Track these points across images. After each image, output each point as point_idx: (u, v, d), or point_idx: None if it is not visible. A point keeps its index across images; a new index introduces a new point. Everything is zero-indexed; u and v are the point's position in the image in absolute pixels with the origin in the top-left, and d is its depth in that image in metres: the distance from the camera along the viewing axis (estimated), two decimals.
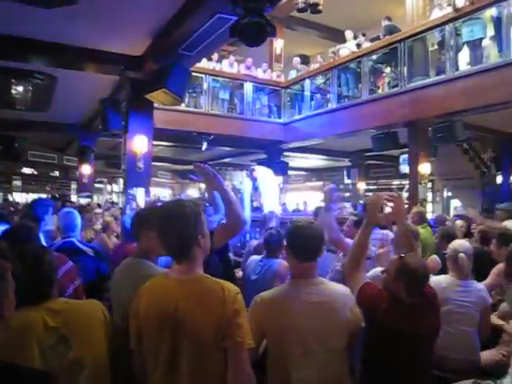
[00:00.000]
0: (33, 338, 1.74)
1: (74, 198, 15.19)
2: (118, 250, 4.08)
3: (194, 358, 1.72)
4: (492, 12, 8.07)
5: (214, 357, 1.73)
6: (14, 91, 7.42)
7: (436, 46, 9.39)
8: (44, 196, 14.38)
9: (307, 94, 12.61)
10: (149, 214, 2.53)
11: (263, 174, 8.17)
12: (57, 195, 13.15)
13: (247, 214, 6.11)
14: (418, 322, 2.29)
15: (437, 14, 9.15)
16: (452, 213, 15.00)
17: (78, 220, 3.85)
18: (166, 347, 1.74)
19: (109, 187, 24.41)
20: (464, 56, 8.66)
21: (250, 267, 3.91)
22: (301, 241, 2.22)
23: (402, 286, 2.32)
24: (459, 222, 6.94)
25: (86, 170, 13.05)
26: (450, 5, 8.61)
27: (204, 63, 11.74)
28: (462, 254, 3.29)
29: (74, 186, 16.63)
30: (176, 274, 1.85)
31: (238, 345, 1.72)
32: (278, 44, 14.87)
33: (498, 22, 7.94)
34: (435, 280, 3.44)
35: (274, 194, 8.22)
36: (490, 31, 8.20)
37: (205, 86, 11.90)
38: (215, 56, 12.58)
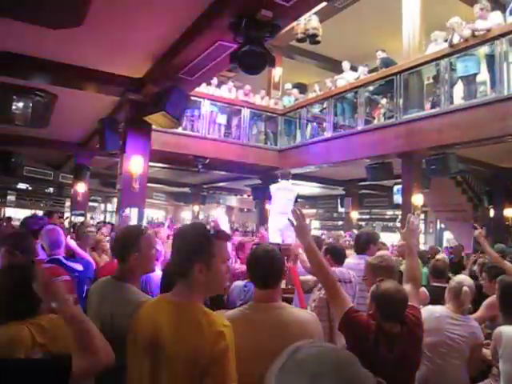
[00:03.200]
0: (20, 354, 1.73)
1: (67, 215, 15.14)
2: (106, 266, 4.08)
3: None
4: (485, 49, 8.26)
5: None
6: (14, 107, 7.47)
7: (431, 80, 9.58)
8: (38, 212, 14.33)
9: (303, 121, 12.75)
10: (134, 234, 2.47)
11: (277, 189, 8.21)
12: (50, 210, 13.08)
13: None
14: (395, 349, 2.30)
15: (433, 49, 9.35)
16: (444, 244, 15.08)
17: (62, 237, 3.79)
18: (147, 370, 1.69)
19: (103, 206, 24.40)
20: (458, 90, 8.83)
21: (235, 292, 3.83)
22: (259, 271, 2.23)
23: (376, 310, 2.37)
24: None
25: (81, 188, 13.03)
26: (445, 41, 8.82)
27: (203, 88, 11.88)
28: (466, 288, 3.31)
29: (68, 203, 16.58)
30: (170, 296, 1.82)
31: None
32: (277, 72, 15.11)
33: (490, 59, 8.14)
34: (429, 309, 3.47)
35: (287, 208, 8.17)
36: (484, 67, 8.39)
37: (203, 110, 12.02)
38: (214, 81, 12.73)
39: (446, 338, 3.18)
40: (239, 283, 3.92)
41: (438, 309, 3.43)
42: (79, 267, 3.63)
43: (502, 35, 7.74)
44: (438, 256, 7.06)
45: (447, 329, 3.22)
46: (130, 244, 2.41)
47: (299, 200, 8.75)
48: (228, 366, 1.62)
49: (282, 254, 2.74)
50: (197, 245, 1.77)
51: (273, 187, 8.50)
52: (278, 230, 8.03)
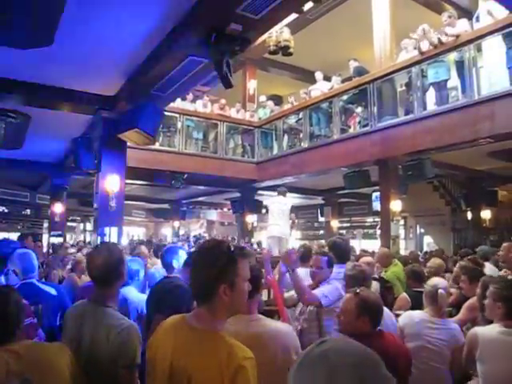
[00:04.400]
0: None
1: (45, 236, 14.88)
2: (87, 287, 4.00)
3: None
4: (454, 56, 8.42)
5: None
6: None
7: (404, 87, 9.72)
8: (14, 235, 14.05)
9: (280, 133, 12.81)
10: (119, 262, 2.37)
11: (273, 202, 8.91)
12: (25, 232, 12.84)
13: None
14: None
15: (403, 57, 9.50)
16: (425, 249, 15.21)
17: (35, 260, 3.68)
18: None
19: (81, 226, 24.09)
20: (431, 96, 8.97)
21: None
22: None
23: (367, 320, 2.36)
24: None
25: (59, 208, 12.85)
26: (415, 48, 8.97)
27: (178, 103, 11.87)
28: (441, 291, 3.31)
29: (46, 224, 16.32)
30: (192, 320, 1.73)
31: None
32: (251, 84, 15.21)
33: (460, 64, 8.30)
34: (409, 314, 3.47)
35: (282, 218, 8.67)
36: (454, 73, 8.54)
37: (179, 125, 11.99)
38: (190, 96, 12.73)
39: (426, 343, 3.18)
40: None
41: (417, 314, 3.44)
42: (53, 291, 3.54)
43: (470, 41, 7.90)
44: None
45: (427, 333, 3.22)
46: (115, 273, 2.34)
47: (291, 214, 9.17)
48: None
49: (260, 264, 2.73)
50: (223, 265, 1.68)
51: (269, 201, 8.96)
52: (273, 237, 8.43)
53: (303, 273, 4.60)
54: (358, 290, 2.51)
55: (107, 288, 2.34)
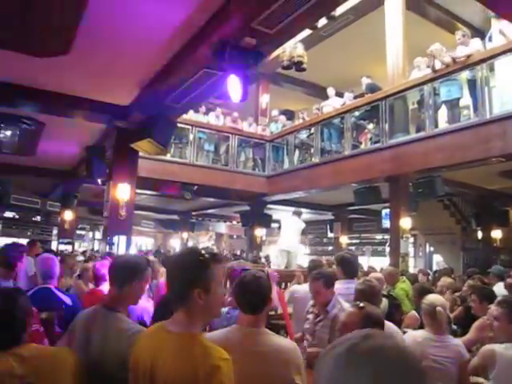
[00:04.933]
0: None
1: (54, 243, 14.98)
2: (92, 293, 4.03)
3: None
4: (467, 74, 8.44)
5: None
6: (1, 135, 7.48)
7: (416, 105, 9.73)
8: (24, 241, 14.14)
9: (291, 148, 12.85)
10: (143, 264, 2.43)
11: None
12: (33, 239, 12.94)
13: None
14: None
15: (416, 75, 9.54)
16: (434, 267, 15.08)
17: (57, 267, 3.70)
18: None
19: (91, 234, 24.17)
20: (443, 114, 8.98)
21: (218, 319, 3.76)
22: (245, 295, 2.27)
23: None
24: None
25: (69, 216, 12.95)
26: (428, 66, 9.00)
27: (191, 115, 11.97)
28: (439, 308, 3.27)
29: (55, 231, 16.43)
30: (170, 325, 1.77)
31: None
32: (264, 99, 15.30)
33: (472, 83, 8.31)
34: (412, 334, 3.44)
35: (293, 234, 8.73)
36: (466, 92, 8.56)
37: (191, 137, 12.07)
38: (203, 108, 12.84)
39: (432, 362, 3.10)
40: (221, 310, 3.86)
41: (419, 333, 3.39)
42: (68, 301, 3.56)
43: (483, 60, 7.92)
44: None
45: (431, 352, 3.14)
46: (137, 271, 2.37)
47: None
48: None
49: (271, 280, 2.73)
50: (195, 270, 1.74)
51: (283, 218, 9.06)
52: (285, 252, 8.53)
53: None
54: (361, 305, 2.50)
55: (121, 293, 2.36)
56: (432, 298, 3.49)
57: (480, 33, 10.43)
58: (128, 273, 2.36)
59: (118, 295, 2.34)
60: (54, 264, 3.68)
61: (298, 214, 8.74)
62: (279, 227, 9.46)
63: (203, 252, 1.82)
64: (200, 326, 1.79)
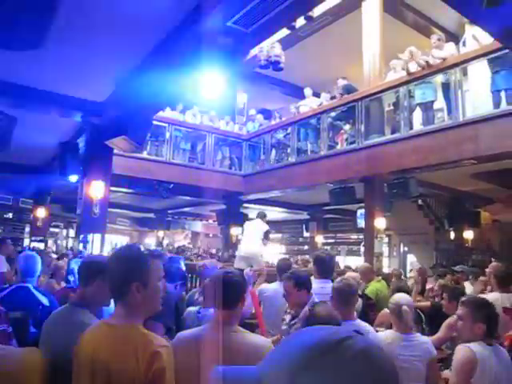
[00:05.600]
0: None
1: (27, 241, 14.72)
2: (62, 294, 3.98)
3: None
4: (441, 78, 8.57)
5: None
6: None
7: (391, 107, 9.85)
8: None
9: (268, 147, 12.87)
10: (104, 263, 2.47)
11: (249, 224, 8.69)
12: (4, 237, 12.70)
13: None
14: None
15: (392, 77, 9.65)
16: (408, 267, 15.27)
17: (39, 265, 3.66)
18: None
19: (64, 232, 23.81)
20: (417, 116, 9.10)
21: (189, 319, 3.70)
22: (219, 290, 2.26)
23: None
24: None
25: (41, 213, 12.75)
26: (403, 69, 9.11)
27: (168, 112, 11.88)
28: (405, 307, 3.29)
29: (27, 229, 16.15)
30: (109, 319, 1.84)
31: None
32: (241, 98, 15.29)
33: (446, 87, 8.44)
34: (380, 335, 3.46)
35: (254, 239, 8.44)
36: (441, 94, 8.69)
37: (167, 135, 11.99)
38: (179, 106, 12.76)
39: (402, 362, 3.12)
40: (191, 309, 3.83)
41: (388, 334, 3.41)
42: (45, 301, 3.50)
43: (456, 65, 8.06)
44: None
45: (400, 352, 3.17)
46: (99, 271, 2.38)
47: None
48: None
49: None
50: (133, 264, 1.79)
51: (246, 223, 8.89)
52: (243, 257, 8.32)
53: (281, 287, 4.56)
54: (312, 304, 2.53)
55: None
56: (398, 296, 3.52)
57: (454, 37, 10.61)
58: (90, 272, 2.43)
59: (83, 293, 2.43)
60: (36, 262, 3.64)
61: (262, 217, 8.60)
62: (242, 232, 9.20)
63: (141, 248, 1.94)
64: (140, 318, 1.83)
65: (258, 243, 8.33)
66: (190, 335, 2.27)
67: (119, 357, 1.65)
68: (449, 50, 8.39)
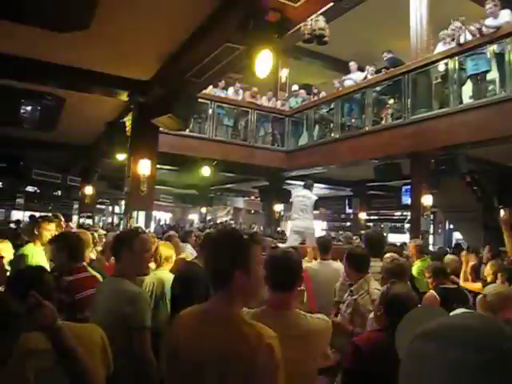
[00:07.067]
0: (30, 361, 1.67)
1: (75, 217, 15.21)
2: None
3: None
4: (495, 48, 8.19)
5: None
6: (22, 111, 7.53)
7: (440, 80, 9.51)
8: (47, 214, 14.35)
9: (310, 123, 12.72)
10: (128, 236, 2.69)
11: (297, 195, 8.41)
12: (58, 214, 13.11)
13: None
14: None
15: (441, 48, 9.30)
16: (453, 245, 14.96)
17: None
18: None
19: (110, 208, 24.44)
20: (467, 90, 8.76)
21: None
22: (274, 271, 2.15)
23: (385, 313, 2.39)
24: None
25: (89, 190, 13.08)
26: (453, 40, 8.76)
27: (210, 90, 11.88)
28: None
29: (76, 206, 16.67)
30: (210, 307, 1.72)
31: None
32: (284, 73, 15.11)
33: (500, 57, 8.06)
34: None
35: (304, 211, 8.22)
36: (494, 66, 8.31)
37: (210, 112, 12.03)
38: (222, 83, 12.73)
39: None
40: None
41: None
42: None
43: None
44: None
45: None
46: (123, 243, 2.62)
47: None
48: (280, 381, 1.55)
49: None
50: (236, 251, 1.70)
51: (294, 194, 8.66)
52: (296, 232, 8.15)
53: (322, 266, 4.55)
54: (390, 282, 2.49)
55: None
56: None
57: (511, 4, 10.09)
58: (116, 247, 2.66)
59: (118, 266, 2.68)
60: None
61: (309, 187, 8.26)
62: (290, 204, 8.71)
63: (242, 233, 1.81)
64: (241, 307, 1.76)
65: (311, 217, 8.20)
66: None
67: (230, 350, 1.56)
68: (504, 17, 7.97)
